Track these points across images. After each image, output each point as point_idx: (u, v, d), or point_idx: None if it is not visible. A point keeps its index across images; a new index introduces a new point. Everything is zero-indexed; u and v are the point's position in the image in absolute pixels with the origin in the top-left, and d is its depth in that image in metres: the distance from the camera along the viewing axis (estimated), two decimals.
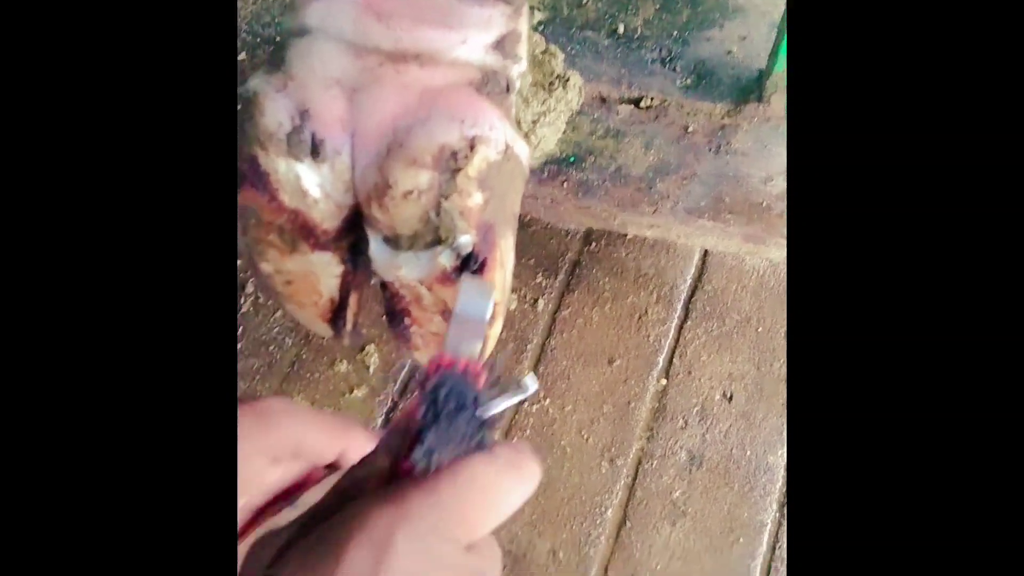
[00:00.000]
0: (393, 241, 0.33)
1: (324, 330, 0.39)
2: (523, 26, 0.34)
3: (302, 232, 0.34)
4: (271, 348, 0.77)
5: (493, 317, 0.34)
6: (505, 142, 0.32)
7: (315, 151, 0.32)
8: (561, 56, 0.75)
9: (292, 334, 0.78)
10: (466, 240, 0.32)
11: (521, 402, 0.40)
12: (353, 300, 0.38)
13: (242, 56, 0.77)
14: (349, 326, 0.38)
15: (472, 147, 0.31)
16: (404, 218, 0.32)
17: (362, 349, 0.78)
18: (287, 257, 0.35)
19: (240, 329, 0.78)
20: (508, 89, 0.33)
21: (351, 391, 0.76)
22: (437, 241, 0.32)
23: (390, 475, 0.29)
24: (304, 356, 0.77)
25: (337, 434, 0.36)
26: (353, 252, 0.36)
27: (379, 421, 0.74)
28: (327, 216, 0.34)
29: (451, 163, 0.31)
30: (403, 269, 0.33)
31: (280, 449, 0.35)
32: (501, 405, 0.37)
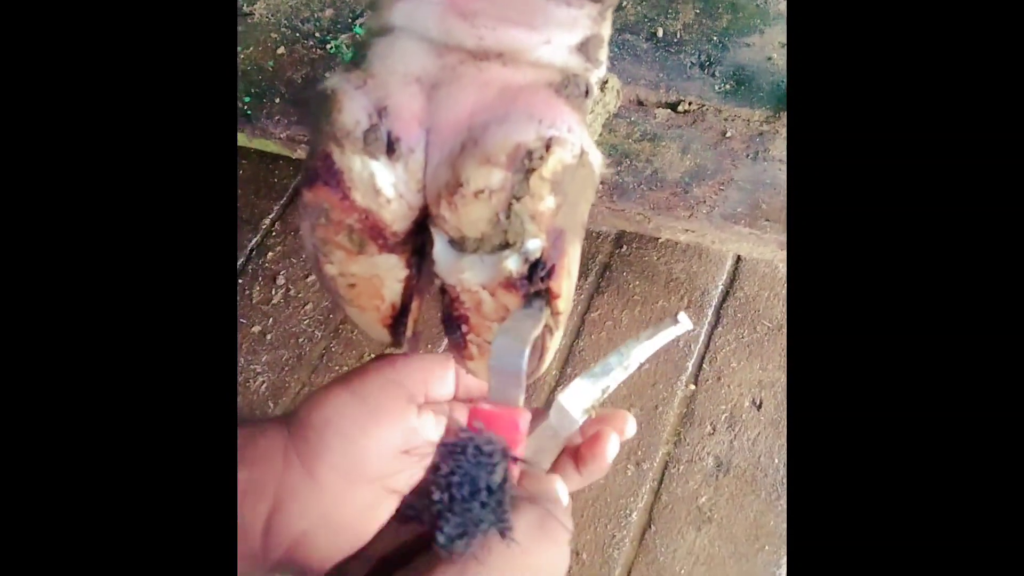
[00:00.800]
0: (459, 243, 0.33)
1: (383, 336, 0.39)
2: (606, 31, 0.34)
3: (371, 233, 0.34)
4: (301, 340, 0.77)
5: (554, 328, 0.34)
6: (581, 147, 0.32)
7: (391, 149, 0.32)
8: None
9: (322, 327, 0.78)
10: (535, 245, 0.32)
11: (675, 339, 0.42)
12: (415, 306, 0.37)
13: (281, 50, 0.77)
14: (409, 332, 0.38)
15: (548, 148, 0.31)
16: (473, 219, 0.32)
17: (390, 344, 0.78)
18: (353, 259, 0.35)
19: (270, 320, 0.78)
20: (587, 94, 0.33)
21: None
22: (504, 245, 0.32)
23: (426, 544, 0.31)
24: (333, 348, 0.77)
25: (448, 368, 0.41)
26: (418, 256, 0.36)
27: None
28: (398, 217, 0.34)
29: (526, 163, 0.31)
30: (467, 272, 0.33)
31: (420, 396, 0.40)
32: (653, 345, 0.38)
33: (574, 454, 0.40)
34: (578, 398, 0.38)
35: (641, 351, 0.39)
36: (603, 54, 0.34)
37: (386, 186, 0.33)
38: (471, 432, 0.31)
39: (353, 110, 0.32)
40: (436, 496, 0.30)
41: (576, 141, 0.32)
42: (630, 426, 0.41)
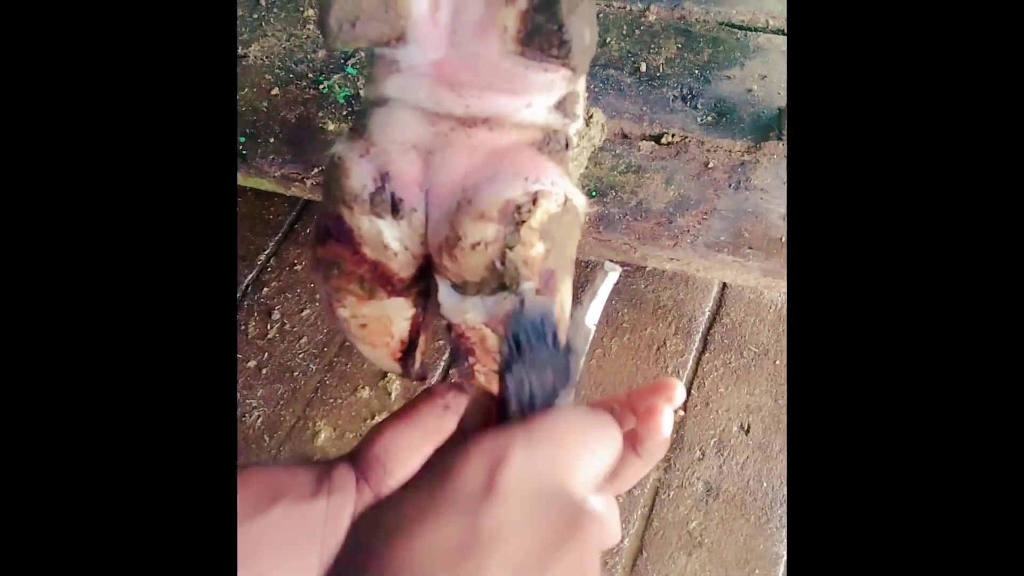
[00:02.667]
0: (461, 288, 0.36)
1: (394, 368, 0.42)
2: (581, 87, 0.37)
3: (380, 281, 0.37)
4: (295, 374, 0.78)
5: None
6: (565, 195, 0.35)
7: (395, 209, 0.35)
8: (585, 94, 0.77)
9: (316, 360, 0.79)
10: (529, 287, 0.34)
11: (615, 289, 0.42)
12: (422, 340, 0.40)
13: (275, 91, 0.79)
14: (417, 364, 0.41)
15: (535, 201, 0.34)
16: (472, 267, 0.35)
17: (384, 376, 0.79)
18: (364, 303, 0.38)
19: (265, 355, 0.80)
20: (567, 147, 0.36)
21: (372, 417, 0.77)
22: (502, 287, 0.34)
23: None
24: (328, 382, 0.78)
25: None
26: (423, 296, 0.39)
27: None
28: (404, 266, 0.37)
29: (516, 216, 0.33)
30: (470, 313, 0.36)
31: None
32: (599, 303, 0.39)
33: (630, 438, 0.39)
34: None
35: (592, 316, 0.40)
36: (580, 108, 0.37)
37: (392, 241, 0.36)
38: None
39: (359, 176, 0.35)
40: (505, 350, 0.31)
41: (560, 191, 0.34)
42: (679, 393, 0.40)
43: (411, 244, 0.36)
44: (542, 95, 0.35)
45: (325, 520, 0.41)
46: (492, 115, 0.35)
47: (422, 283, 0.38)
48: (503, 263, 0.34)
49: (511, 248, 0.33)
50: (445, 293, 0.36)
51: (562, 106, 0.36)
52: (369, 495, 0.43)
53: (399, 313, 0.39)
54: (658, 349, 0.80)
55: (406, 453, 0.43)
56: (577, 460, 0.30)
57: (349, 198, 0.35)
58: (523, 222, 0.33)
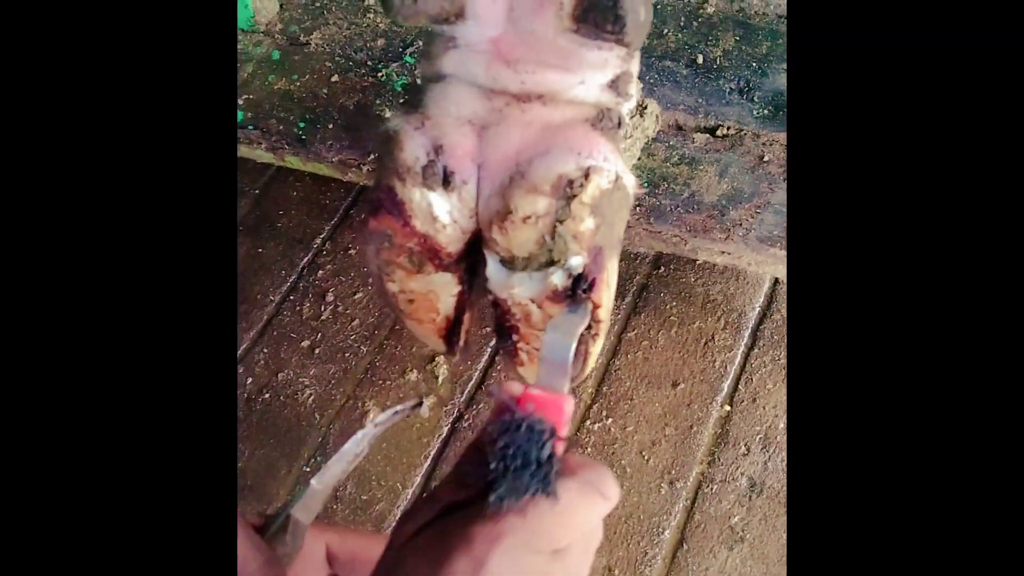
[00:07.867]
0: (509, 262, 0.37)
1: (439, 345, 0.42)
2: (634, 67, 0.37)
3: (429, 254, 0.38)
4: (347, 355, 0.80)
5: (596, 335, 0.37)
6: (616, 173, 0.35)
7: (446, 182, 0.36)
8: (640, 85, 0.78)
9: (367, 342, 0.81)
10: (577, 261, 0.35)
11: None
12: (467, 318, 0.41)
13: (335, 78, 0.81)
14: (462, 342, 0.42)
15: (587, 176, 0.34)
16: (522, 241, 0.35)
17: (432, 360, 0.80)
18: (412, 277, 0.39)
19: (319, 336, 0.82)
20: (619, 125, 0.36)
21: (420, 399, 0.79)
22: (550, 262, 0.35)
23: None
24: (378, 363, 0.80)
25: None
26: (469, 273, 0.39)
27: (445, 430, 0.77)
28: (452, 240, 0.38)
29: (567, 190, 0.34)
30: (517, 288, 0.36)
31: None
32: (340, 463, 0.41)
33: None
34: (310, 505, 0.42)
35: (328, 477, 0.42)
36: (632, 88, 0.37)
37: (442, 214, 0.37)
38: (524, 412, 0.34)
39: (413, 148, 0.36)
40: (492, 465, 0.33)
41: (612, 168, 0.35)
42: None
43: (460, 218, 0.37)
44: (595, 73, 0.36)
45: None
46: (546, 91, 0.35)
47: (469, 260, 0.39)
48: (553, 237, 0.34)
49: (561, 222, 0.34)
50: (493, 268, 0.37)
51: (615, 85, 0.36)
52: None
53: (445, 289, 0.40)
54: (706, 343, 0.80)
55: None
56: (566, 531, 0.34)
57: (402, 170, 0.36)
58: (574, 196, 0.34)
